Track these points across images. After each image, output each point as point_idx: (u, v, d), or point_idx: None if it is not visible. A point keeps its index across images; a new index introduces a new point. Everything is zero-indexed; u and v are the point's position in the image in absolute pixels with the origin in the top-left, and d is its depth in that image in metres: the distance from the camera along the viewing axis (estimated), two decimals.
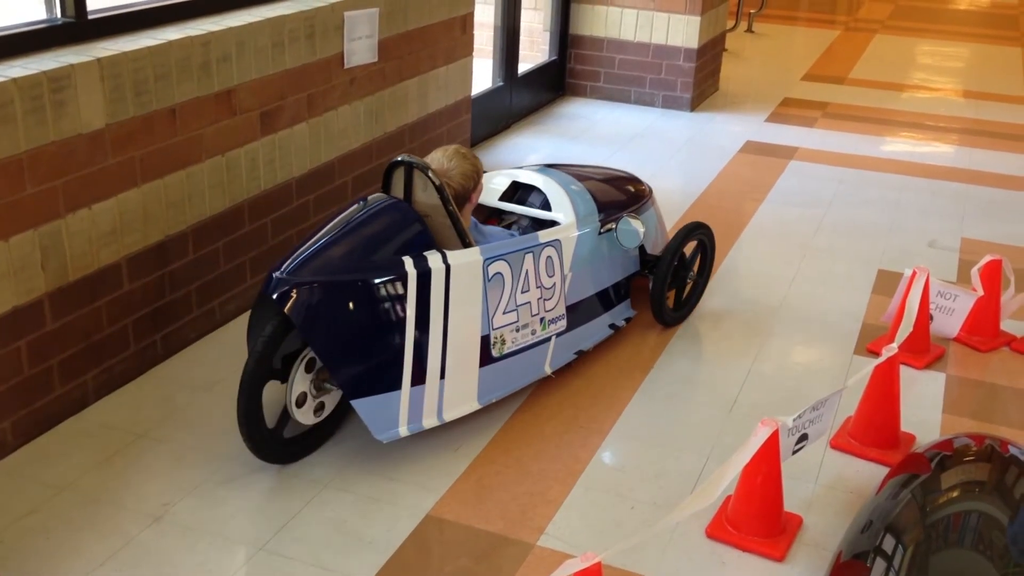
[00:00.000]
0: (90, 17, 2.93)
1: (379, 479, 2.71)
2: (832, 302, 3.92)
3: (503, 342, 2.95)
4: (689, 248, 3.68)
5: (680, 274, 3.62)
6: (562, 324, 3.17)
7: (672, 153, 5.66)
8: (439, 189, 2.82)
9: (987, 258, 3.57)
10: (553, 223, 3.30)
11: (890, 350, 2.86)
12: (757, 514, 2.53)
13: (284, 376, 2.70)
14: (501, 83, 5.89)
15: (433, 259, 2.75)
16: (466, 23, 4.71)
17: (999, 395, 3.30)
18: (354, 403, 2.65)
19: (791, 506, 2.64)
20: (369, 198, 2.83)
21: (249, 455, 2.73)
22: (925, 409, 3.18)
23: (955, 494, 2.51)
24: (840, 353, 3.52)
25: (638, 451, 2.91)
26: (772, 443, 2.45)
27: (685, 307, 3.70)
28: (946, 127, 6.49)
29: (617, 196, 3.58)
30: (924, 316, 3.41)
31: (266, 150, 3.49)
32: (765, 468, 2.48)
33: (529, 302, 3.02)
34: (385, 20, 4.03)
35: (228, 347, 3.33)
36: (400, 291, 2.68)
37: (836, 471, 2.85)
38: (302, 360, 2.69)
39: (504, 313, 2.94)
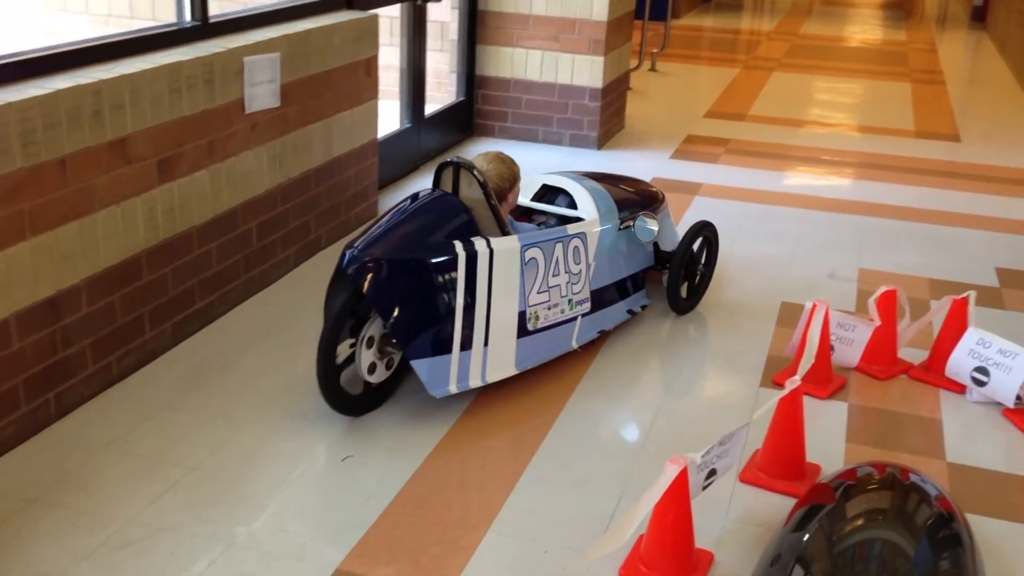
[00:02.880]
0: None
1: (284, 534, 2.64)
2: (738, 335, 3.99)
3: (537, 318, 3.41)
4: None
5: (691, 268, 4.08)
6: (587, 306, 3.64)
7: None
8: (482, 185, 3.27)
9: (882, 288, 3.69)
10: (579, 220, 3.75)
11: (793, 382, 2.92)
12: (669, 552, 2.54)
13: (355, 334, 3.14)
14: (409, 125, 5.88)
15: (479, 244, 3.18)
16: (370, 66, 4.71)
17: (899, 422, 3.39)
18: (413, 363, 3.09)
19: (702, 542, 2.65)
20: (422, 192, 3.30)
21: (151, 513, 2.65)
22: (829, 439, 3.24)
23: (860, 523, 2.56)
24: (747, 386, 3.58)
25: (550, 494, 2.89)
26: (681, 481, 2.46)
27: (695, 296, 4.16)
28: (842, 161, 6.72)
29: (634, 198, 4.09)
30: (825, 347, 3.49)
31: (164, 198, 3.41)
32: (675, 506, 2.49)
33: (559, 284, 3.48)
34: (287, 64, 4.00)
35: (127, 403, 3.22)
36: (452, 270, 3.12)
37: (745, 505, 2.88)
38: (362, 340, 3.11)
39: (538, 293, 3.40)
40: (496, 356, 3.27)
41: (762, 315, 4.16)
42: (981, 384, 3.47)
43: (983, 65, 11.36)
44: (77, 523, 2.63)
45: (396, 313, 3.03)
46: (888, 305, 3.67)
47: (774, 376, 3.62)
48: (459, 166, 3.30)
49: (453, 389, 3.17)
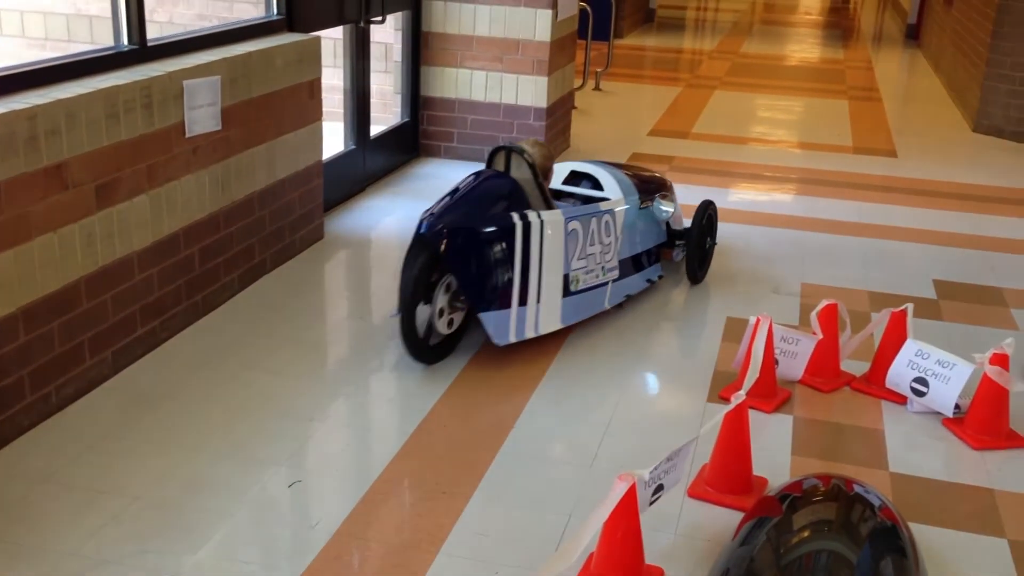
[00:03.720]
0: None
1: (231, 563, 2.60)
2: (685, 351, 4.02)
3: (577, 281, 3.95)
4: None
5: (701, 241, 4.60)
6: (615, 273, 4.19)
7: None
8: (531, 166, 3.81)
9: (824, 303, 3.75)
10: (604, 200, 4.27)
11: (738, 397, 2.95)
12: (619, 569, 2.54)
13: (428, 299, 3.62)
14: (354, 146, 5.86)
15: (532, 215, 3.73)
16: (313, 88, 4.69)
17: (843, 434, 3.44)
18: (480, 315, 3.62)
19: (652, 558, 2.66)
20: (481, 172, 3.84)
21: (93, 545, 2.60)
22: (775, 452, 3.28)
23: (806, 535, 2.59)
24: (694, 401, 3.61)
25: (500, 514, 2.88)
26: (630, 498, 2.48)
27: (705, 264, 4.72)
28: (784, 177, 6.84)
29: (648, 184, 4.62)
30: (770, 361, 3.54)
31: (103, 224, 3.35)
32: (624, 523, 2.50)
33: (594, 253, 4.03)
34: (228, 87, 3.96)
35: (67, 434, 3.15)
36: (511, 237, 3.65)
37: (694, 520, 2.90)
38: (441, 285, 3.61)
39: (578, 259, 3.94)
40: (547, 312, 3.81)
41: (708, 330, 4.21)
42: (921, 395, 3.54)
43: (918, 82, 11.66)
44: (16, 557, 2.56)
45: (467, 273, 3.57)
46: (830, 318, 3.73)
47: (720, 391, 3.65)
48: (511, 150, 3.83)
49: (512, 338, 3.70)
